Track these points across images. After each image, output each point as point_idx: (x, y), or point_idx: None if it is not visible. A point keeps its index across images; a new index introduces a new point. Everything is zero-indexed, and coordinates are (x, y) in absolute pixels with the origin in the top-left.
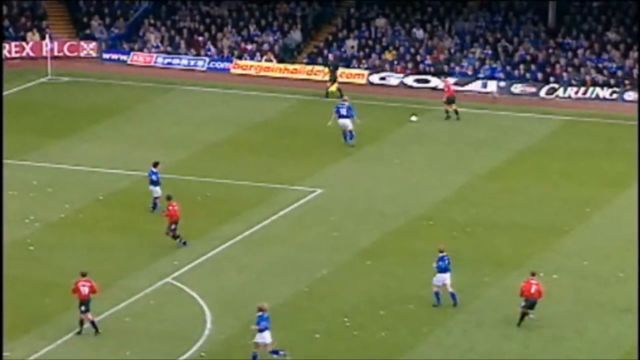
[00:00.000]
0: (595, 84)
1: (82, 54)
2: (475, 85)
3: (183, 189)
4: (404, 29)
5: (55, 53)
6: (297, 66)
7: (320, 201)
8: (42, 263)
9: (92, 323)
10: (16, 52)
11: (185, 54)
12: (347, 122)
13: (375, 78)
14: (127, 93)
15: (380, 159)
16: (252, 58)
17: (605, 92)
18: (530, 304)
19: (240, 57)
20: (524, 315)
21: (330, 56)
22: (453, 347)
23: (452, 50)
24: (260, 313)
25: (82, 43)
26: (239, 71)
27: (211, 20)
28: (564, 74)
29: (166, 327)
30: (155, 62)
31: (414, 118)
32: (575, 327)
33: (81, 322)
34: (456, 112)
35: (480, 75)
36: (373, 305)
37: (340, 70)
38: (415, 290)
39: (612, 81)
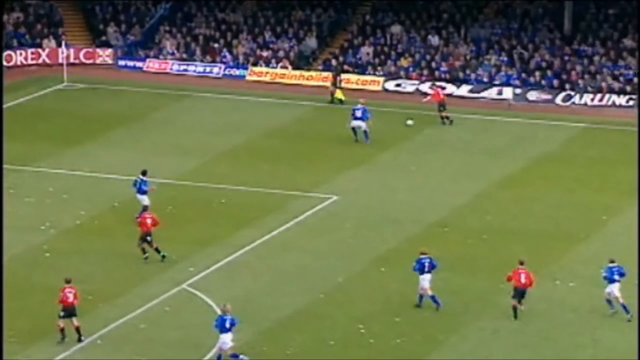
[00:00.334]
0: (611, 91)
1: (97, 61)
2: (491, 92)
3: (198, 196)
4: (419, 35)
5: (71, 60)
6: (312, 73)
7: (335, 208)
8: (58, 269)
9: (77, 328)
10: (32, 58)
11: (201, 60)
12: (360, 124)
13: (390, 85)
14: (142, 100)
15: (396, 165)
16: (267, 65)
17: (621, 99)
18: (521, 293)
19: (255, 64)
20: (515, 308)
21: (334, 61)
22: (469, 355)
23: (468, 57)
24: (222, 315)
25: (98, 50)
26: (254, 78)
27: (227, 26)
28: (580, 81)
29: (181, 334)
30: (171, 69)
31: (409, 122)
32: (591, 334)
33: (62, 330)
34: (447, 117)
35: (496, 82)
36: (388, 313)
37: (357, 77)
38: None
39: (628, 88)
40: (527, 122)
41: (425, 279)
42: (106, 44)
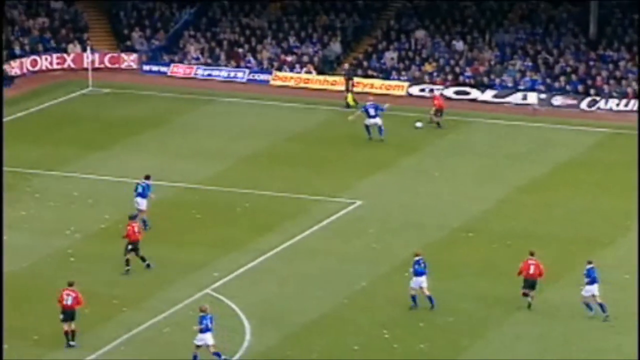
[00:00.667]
0: (636, 96)
1: (122, 66)
2: (516, 98)
3: (222, 200)
4: (443, 40)
5: (96, 65)
6: (336, 78)
7: (359, 213)
8: (83, 274)
9: (72, 332)
10: (57, 63)
11: (225, 65)
12: (377, 121)
13: (414, 90)
14: (167, 105)
15: (419, 170)
16: (291, 70)
17: None
18: (531, 284)
19: (279, 69)
20: (526, 295)
21: (346, 65)
22: None
23: (492, 62)
24: (201, 314)
25: (122, 55)
26: (279, 83)
27: (251, 31)
28: (605, 86)
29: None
30: (195, 74)
31: (418, 124)
32: (615, 340)
33: (66, 334)
34: (438, 123)
35: (521, 87)
36: (412, 318)
37: (381, 82)
38: (455, 302)
39: None
40: (551, 127)
41: (422, 280)
42: (131, 49)
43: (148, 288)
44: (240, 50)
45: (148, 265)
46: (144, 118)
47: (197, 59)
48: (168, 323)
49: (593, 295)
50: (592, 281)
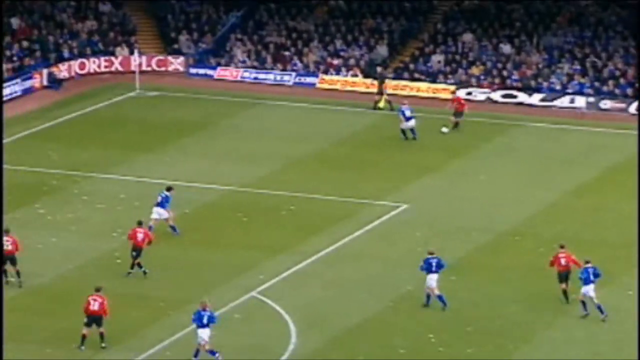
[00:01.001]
0: None
1: (169, 69)
2: (563, 101)
3: (268, 203)
4: (491, 44)
5: (144, 67)
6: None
7: (405, 216)
8: (129, 276)
9: (101, 335)
10: (105, 66)
11: (272, 68)
12: (412, 123)
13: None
14: (213, 108)
15: (466, 174)
16: (338, 73)
17: None
18: (564, 276)
19: (326, 72)
20: (565, 291)
21: (378, 68)
22: None
23: (540, 66)
24: (200, 309)
25: (169, 58)
26: (325, 86)
27: (298, 35)
28: None
29: (251, 341)
30: (242, 77)
31: (444, 129)
32: None
33: (83, 337)
34: (456, 124)
35: (569, 91)
36: (459, 322)
37: (428, 85)
38: (502, 306)
39: None
40: (599, 130)
41: (432, 279)
42: (178, 52)
43: (193, 290)
44: (287, 53)
45: (144, 272)
46: (190, 121)
47: (244, 62)
48: (214, 326)
49: (587, 295)
50: (586, 281)
